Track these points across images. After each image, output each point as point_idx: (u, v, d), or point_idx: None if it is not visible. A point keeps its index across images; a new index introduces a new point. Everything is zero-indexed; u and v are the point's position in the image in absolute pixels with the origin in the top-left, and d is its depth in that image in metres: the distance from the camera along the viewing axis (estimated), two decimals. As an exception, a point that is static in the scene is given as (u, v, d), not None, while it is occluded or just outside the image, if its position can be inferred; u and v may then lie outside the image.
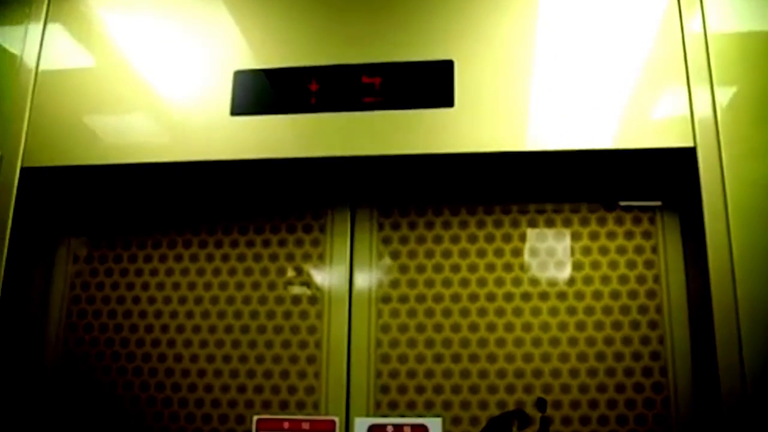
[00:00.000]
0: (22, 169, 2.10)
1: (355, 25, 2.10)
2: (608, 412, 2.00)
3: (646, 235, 2.10)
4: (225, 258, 2.25)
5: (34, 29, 2.23)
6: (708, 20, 1.95)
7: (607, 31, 2.00)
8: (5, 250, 2.04)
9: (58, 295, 2.30)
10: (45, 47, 2.22)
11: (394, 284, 2.17)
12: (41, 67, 2.20)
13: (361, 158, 2.01)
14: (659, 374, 2.01)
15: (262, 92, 2.07)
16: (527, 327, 2.08)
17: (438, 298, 2.13)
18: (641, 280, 2.08)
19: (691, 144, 1.88)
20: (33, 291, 2.27)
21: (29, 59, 2.20)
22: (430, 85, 2.01)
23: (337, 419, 2.06)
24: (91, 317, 2.27)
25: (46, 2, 2.25)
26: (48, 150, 2.12)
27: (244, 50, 2.12)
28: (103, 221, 2.35)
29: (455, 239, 2.17)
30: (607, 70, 1.97)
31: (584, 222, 2.14)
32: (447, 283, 2.14)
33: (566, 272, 2.11)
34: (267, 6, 2.15)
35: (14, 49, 2.22)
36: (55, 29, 2.23)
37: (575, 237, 2.13)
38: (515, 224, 2.16)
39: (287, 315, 2.18)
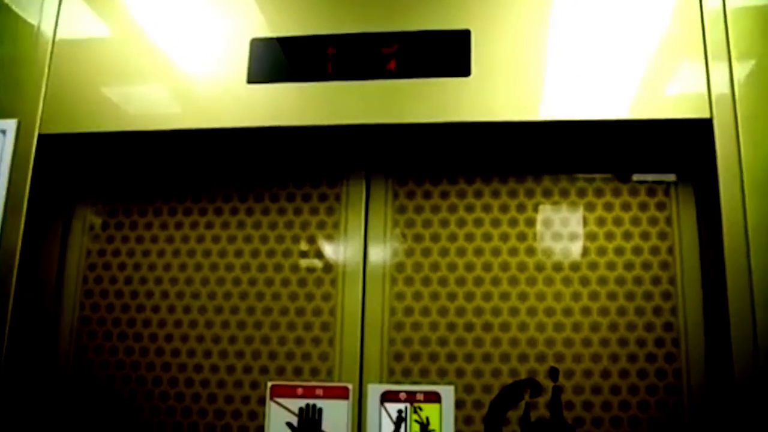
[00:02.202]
0: (40, 136, 2.12)
1: (372, -7, 2.10)
2: (620, 382, 2.02)
3: (661, 206, 2.11)
4: (240, 225, 2.27)
5: (51, -3, 2.24)
6: (727, -7, 1.95)
7: (625, 3, 1.99)
8: (23, 216, 2.06)
9: (74, 261, 2.32)
10: (62, 15, 2.22)
11: (409, 253, 2.18)
12: (58, 36, 2.21)
13: (377, 126, 2.02)
14: (671, 345, 2.02)
15: (279, 60, 2.08)
16: (541, 296, 2.09)
17: (452, 267, 2.14)
18: (655, 251, 2.08)
19: (707, 115, 1.88)
20: (49, 257, 2.29)
21: (46, 27, 2.21)
22: (447, 54, 2.02)
23: (350, 386, 2.08)
24: (107, 284, 2.28)
25: (63, -30, 2.26)
26: (65, 117, 2.13)
27: (261, 18, 2.13)
28: (120, 189, 2.36)
29: (470, 208, 2.18)
30: (624, 41, 1.97)
31: (598, 193, 2.14)
32: (461, 252, 2.15)
33: (580, 242, 2.12)
34: (284, -26, 2.15)
35: (32, 18, 2.23)
36: (72, -3, 2.24)
37: (589, 208, 2.14)
38: (530, 194, 2.17)
39: (302, 282, 2.19)
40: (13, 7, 2.25)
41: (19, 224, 2.05)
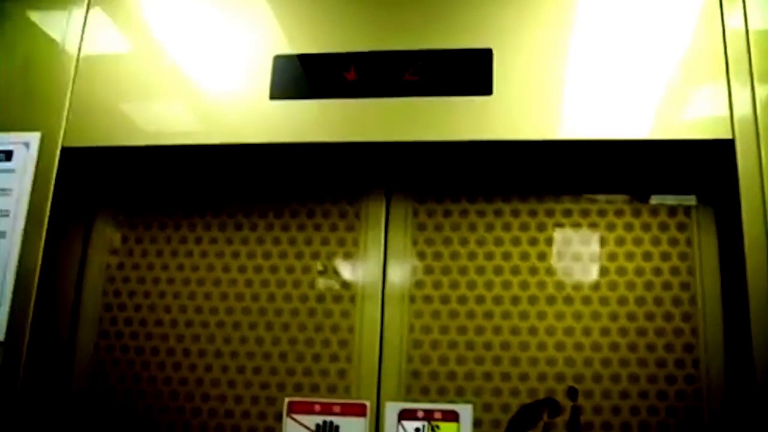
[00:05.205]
0: (63, 149, 2.14)
1: (394, 12, 2.12)
2: (640, 403, 2.00)
3: (681, 227, 2.10)
4: (260, 241, 2.27)
5: (77, 14, 2.27)
6: (750, 15, 1.96)
7: (646, 23, 2.00)
8: (44, 228, 2.08)
9: (94, 274, 2.32)
10: (87, 31, 2.25)
11: (428, 270, 2.18)
12: (83, 52, 2.23)
13: (398, 144, 2.03)
14: (692, 366, 2.01)
15: (301, 77, 2.09)
16: (560, 316, 2.08)
17: (471, 285, 2.14)
18: (675, 271, 2.07)
19: (729, 136, 1.88)
20: (69, 270, 2.30)
21: (71, 43, 2.24)
22: (469, 72, 2.03)
23: (368, 403, 2.07)
24: (126, 297, 2.29)
25: (89, -14, 2.29)
26: (88, 131, 2.16)
27: (284, 36, 2.15)
28: (140, 203, 2.37)
29: (489, 227, 2.18)
30: (645, 61, 1.97)
31: (618, 213, 2.14)
32: (480, 271, 2.15)
33: (600, 262, 2.11)
34: (307, -8, 2.18)
35: (57, 34, 2.26)
36: (97, 14, 2.27)
37: (609, 227, 2.13)
38: (549, 214, 2.17)
39: (321, 299, 2.19)
40: (39, 24, 2.28)
41: (40, 236, 2.07)
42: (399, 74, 2.05)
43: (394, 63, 2.07)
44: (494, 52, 2.03)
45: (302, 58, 2.11)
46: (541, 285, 2.11)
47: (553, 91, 1.99)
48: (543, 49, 2.02)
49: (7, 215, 2.09)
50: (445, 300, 2.14)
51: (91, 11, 2.27)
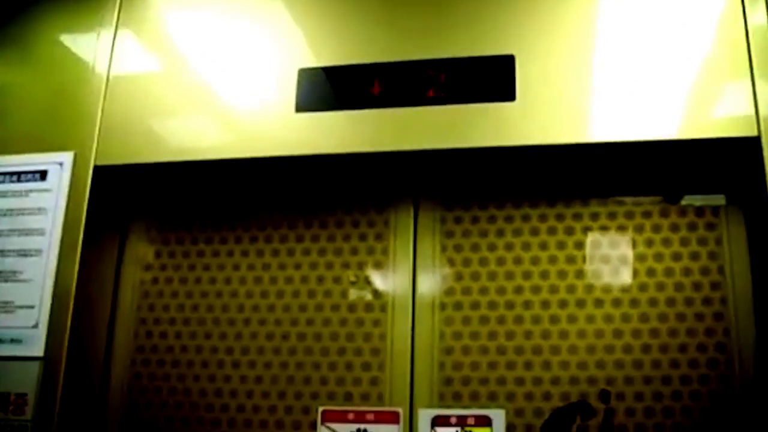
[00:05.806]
0: (95, 168, 2.18)
1: (416, 21, 2.14)
2: (673, 404, 1.99)
3: (710, 226, 2.09)
4: (290, 252, 2.30)
5: (106, 35, 2.32)
6: (772, 11, 1.95)
7: (668, 24, 2.00)
8: (79, 246, 2.12)
9: (128, 289, 2.37)
10: (116, 52, 2.30)
11: (458, 277, 2.19)
12: (112, 72, 2.28)
13: (424, 152, 2.04)
14: (725, 366, 1.99)
15: (326, 89, 2.12)
16: (590, 319, 2.08)
17: (501, 291, 2.15)
18: (705, 271, 2.06)
19: (755, 133, 1.87)
20: (104, 286, 2.34)
21: (101, 64, 2.29)
22: (492, 79, 2.04)
23: (401, 410, 2.08)
24: (161, 311, 2.33)
25: (117, 9, 2.33)
26: (120, 149, 2.20)
27: (308, 49, 2.18)
28: (172, 218, 2.42)
29: (518, 232, 2.19)
30: (668, 62, 1.97)
31: (647, 214, 2.13)
32: (510, 276, 2.15)
33: (629, 264, 2.11)
34: (329, 5, 2.21)
35: (87, 55, 2.32)
36: (125, 34, 2.32)
37: (638, 229, 2.13)
38: (577, 217, 2.17)
39: (352, 308, 2.21)
40: (70, 46, 2.34)
41: (75, 254, 2.12)
42: (422, 83, 2.07)
43: (417, 72, 2.08)
44: (516, 57, 2.04)
45: (327, 70, 2.14)
46: (571, 288, 2.11)
47: (576, 94, 1.99)
48: (565, 53, 2.03)
49: (43, 234, 2.14)
50: (475, 306, 2.15)
51: (119, 32, 2.32)
